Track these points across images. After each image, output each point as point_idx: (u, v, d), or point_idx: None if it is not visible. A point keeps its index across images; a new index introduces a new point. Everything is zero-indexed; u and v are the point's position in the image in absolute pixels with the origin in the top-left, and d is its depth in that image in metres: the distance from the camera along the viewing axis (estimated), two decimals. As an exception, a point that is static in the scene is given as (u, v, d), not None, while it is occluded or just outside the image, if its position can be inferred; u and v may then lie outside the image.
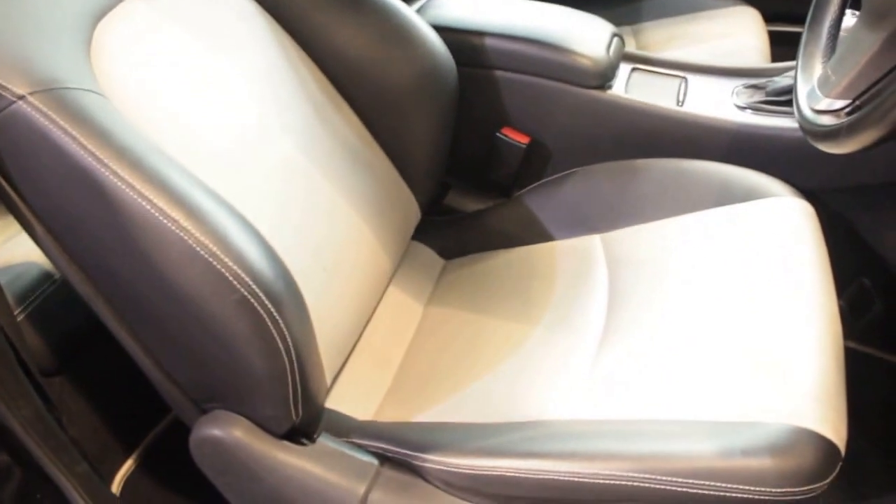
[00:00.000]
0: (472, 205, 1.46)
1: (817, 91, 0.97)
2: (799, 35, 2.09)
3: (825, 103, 0.95)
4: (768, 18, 1.92)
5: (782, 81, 1.39)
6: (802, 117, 0.98)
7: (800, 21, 2.10)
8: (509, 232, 1.33)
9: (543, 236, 1.31)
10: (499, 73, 1.38)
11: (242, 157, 1.00)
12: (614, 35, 1.42)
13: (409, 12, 1.23)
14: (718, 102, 1.40)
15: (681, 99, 1.41)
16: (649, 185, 1.28)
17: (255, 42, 1.11)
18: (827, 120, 0.93)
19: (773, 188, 1.20)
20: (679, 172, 1.28)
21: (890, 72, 0.87)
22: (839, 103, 0.93)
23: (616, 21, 1.93)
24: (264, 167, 1.02)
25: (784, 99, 1.37)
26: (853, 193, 1.35)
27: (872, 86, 0.88)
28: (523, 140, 1.41)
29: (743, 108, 1.38)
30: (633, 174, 1.30)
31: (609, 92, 1.37)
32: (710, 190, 1.23)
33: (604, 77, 1.36)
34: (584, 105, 1.38)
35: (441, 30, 1.29)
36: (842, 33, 1.00)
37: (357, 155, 1.19)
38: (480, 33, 1.37)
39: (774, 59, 1.78)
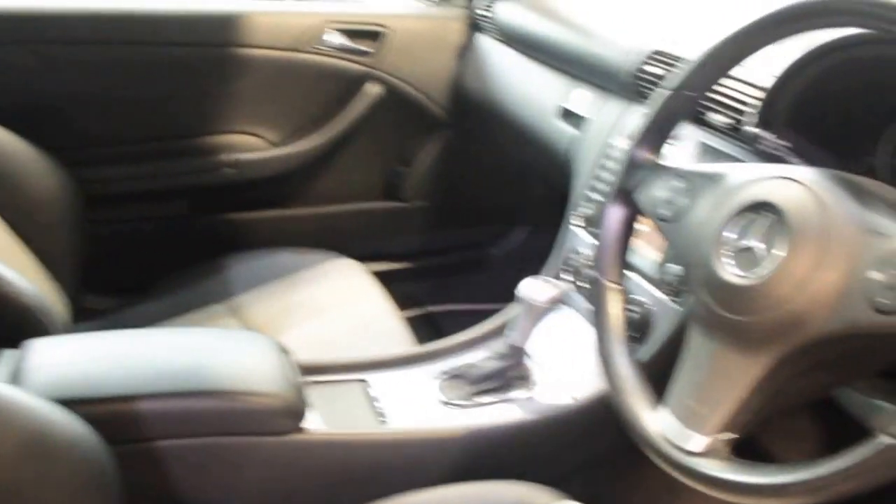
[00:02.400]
0: None
1: (685, 429, 0.80)
2: (396, 272, 2.05)
3: (702, 442, 0.78)
4: (362, 260, 1.78)
5: (486, 366, 1.22)
6: (674, 463, 0.80)
7: (390, 259, 2.05)
8: None
9: None
10: (161, 443, 0.99)
11: None
12: (281, 350, 1.12)
13: (40, 408, 0.80)
14: (426, 405, 1.19)
15: (380, 411, 1.15)
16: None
17: None
18: (717, 465, 0.77)
19: (540, 497, 1.00)
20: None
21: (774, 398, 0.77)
22: (718, 438, 0.78)
23: (203, 300, 1.61)
24: None
25: (495, 385, 1.21)
26: (604, 466, 1.24)
27: (756, 415, 0.78)
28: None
29: (456, 406, 1.18)
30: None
31: (307, 431, 1.06)
32: None
33: (297, 414, 1.05)
34: (281, 456, 1.05)
35: (72, 404, 0.86)
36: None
37: None
38: (124, 398, 0.97)
39: (401, 305, 1.64)
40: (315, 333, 1.50)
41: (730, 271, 0.79)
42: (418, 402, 1.19)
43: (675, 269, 1.14)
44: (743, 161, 1.09)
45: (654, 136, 0.94)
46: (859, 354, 0.76)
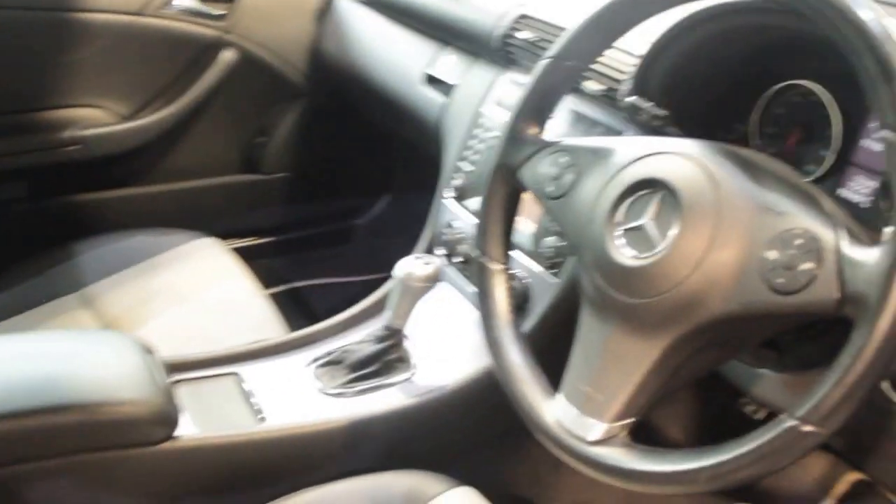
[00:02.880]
0: None
1: (583, 416, 0.77)
2: (259, 248, 1.95)
3: (601, 430, 0.75)
4: (223, 238, 1.69)
5: (363, 350, 1.17)
6: (574, 453, 0.77)
7: (252, 234, 1.95)
8: None
9: None
10: (16, 469, 0.90)
11: None
12: (144, 350, 1.04)
13: None
14: (304, 396, 1.12)
15: (257, 407, 1.09)
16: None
17: None
18: (618, 454, 0.74)
19: (431, 486, 0.97)
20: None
21: (669, 379, 0.75)
22: (616, 425, 0.75)
23: (51, 292, 1.48)
24: None
25: (374, 370, 1.16)
26: (490, 445, 1.22)
27: (653, 398, 0.75)
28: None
29: (335, 394, 1.13)
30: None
31: (180, 438, 0.98)
32: None
33: (168, 420, 0.98)
34: (154, 468, 0.98)
35: None
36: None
37: None
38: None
39: (266, 282, 1.58)
40: (178, 323, 1.41)
41: (622, 252, 0.76)
42: (296, 393, 1.13)
43: (551, 241, 1.12)
44: (618, 130, 1.08)
45: (536, 109, 0.89)
46: (752, 331, 0.76)
